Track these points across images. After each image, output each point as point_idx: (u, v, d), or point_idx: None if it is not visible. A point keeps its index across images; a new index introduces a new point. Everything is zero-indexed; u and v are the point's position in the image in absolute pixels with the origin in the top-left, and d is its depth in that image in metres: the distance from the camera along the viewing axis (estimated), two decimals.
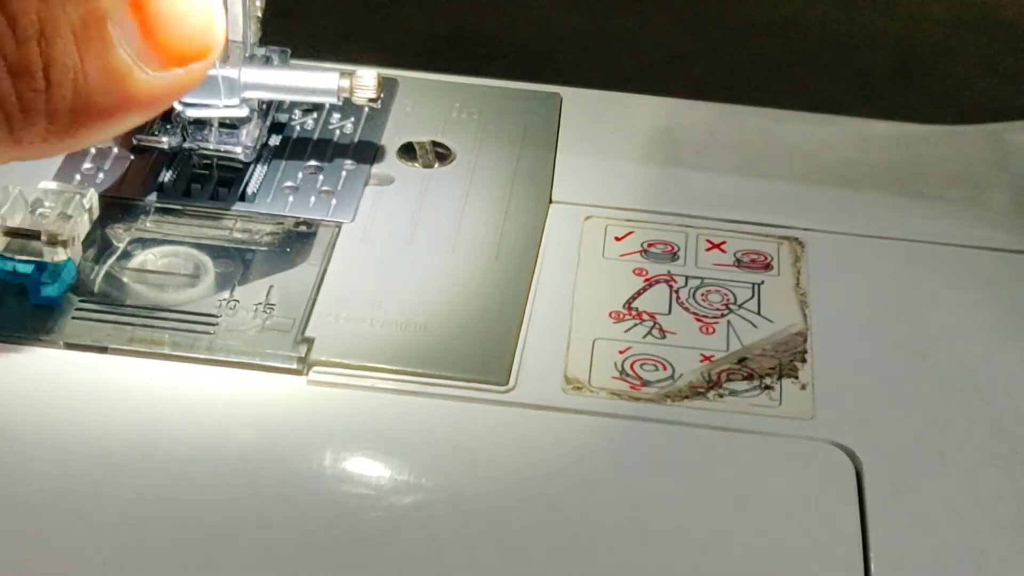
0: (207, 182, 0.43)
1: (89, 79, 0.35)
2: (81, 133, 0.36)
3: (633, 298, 0.40)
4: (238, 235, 0.42)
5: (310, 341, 0.38)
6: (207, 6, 0.37)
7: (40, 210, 0.39)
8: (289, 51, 0.44)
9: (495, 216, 0.43)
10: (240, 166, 0.43)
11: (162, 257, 0.41)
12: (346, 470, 0.35)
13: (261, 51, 0.43)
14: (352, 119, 0.46)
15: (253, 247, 0.41)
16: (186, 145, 0.43)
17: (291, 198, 0.43)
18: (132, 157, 0.44)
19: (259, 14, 0.43)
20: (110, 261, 0.41)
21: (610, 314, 0.40)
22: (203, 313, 0.39)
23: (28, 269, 0.39)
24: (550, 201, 0.44)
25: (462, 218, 0.43)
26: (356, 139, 0.45)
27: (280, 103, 0.45)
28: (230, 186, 0.43)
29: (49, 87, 0.35)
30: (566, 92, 0.49)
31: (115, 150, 0.44)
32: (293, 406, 0.37)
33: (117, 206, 0.42)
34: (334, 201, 0.43)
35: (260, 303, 0.40)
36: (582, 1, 0.72)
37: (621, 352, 0.39)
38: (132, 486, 0.35)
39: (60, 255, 0.39)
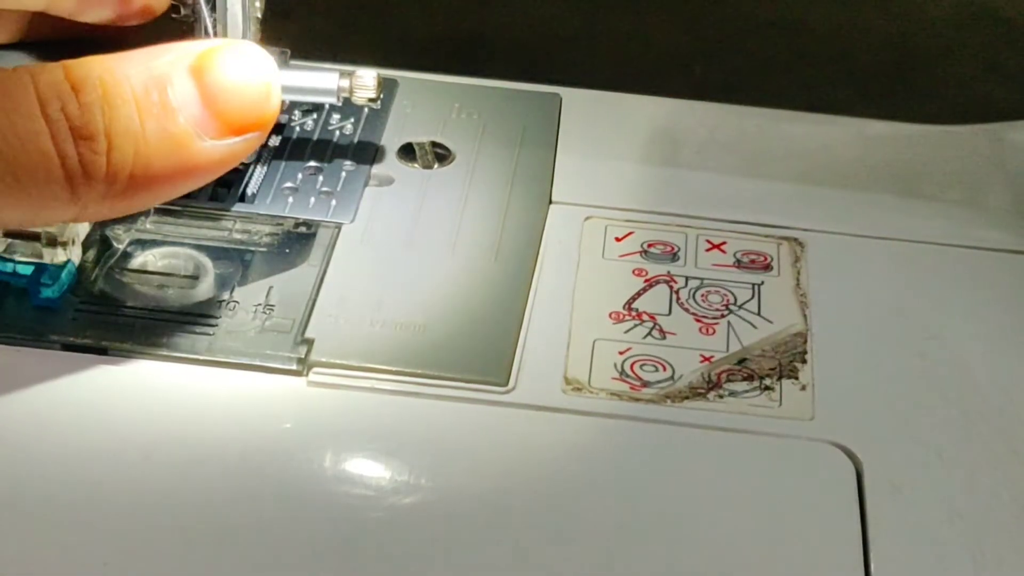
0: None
1: (149, 144, 0.36)
2: (138, 196, 0.37)
3: (633, 299, 0.40)
4: (238, 236, 0.42)
5: (310, 342, 0.38)
6: (265, 77, 0.38)
7: None
8: (289, 51, 0.44)
9: (495, 217, 0.43)
10: (240, 166, 0.43)
11: (162, 258, 0.41)
12: (346, 471, 0.35)
13: None
14: (352, 120, 0.46)
15: (253, 248, 0.41)
16: None
17: (291, 199, 0.43)
18: None
19: (259, 15, 0.43)
20: (110, 262, 0.41)
21: (610, 315, 0.40)
22: (203, 314, 0.39)
23: (28, 270, 0.39)
24: (550, 201, 0.44)
25: (462, 219, 0.43)
26: (356, 140, 0.45)
27: (280, 104, 0.45)
28: (230, 187, 0.43)
29: (111, 150, 0.36)
30: (566, 92, 0.49)
31: None
32: (293, 407, 0.37)
33: None
34: (334, 202, 0.43)
35: (260, 304, 0.40)
36: (582, 1, 0.72)
37: (621, 353, 0.39)
38: (132, 487, 0.35)
39: (60, 256, 0.39)
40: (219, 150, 0.37)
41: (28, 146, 0.34)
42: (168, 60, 0.37)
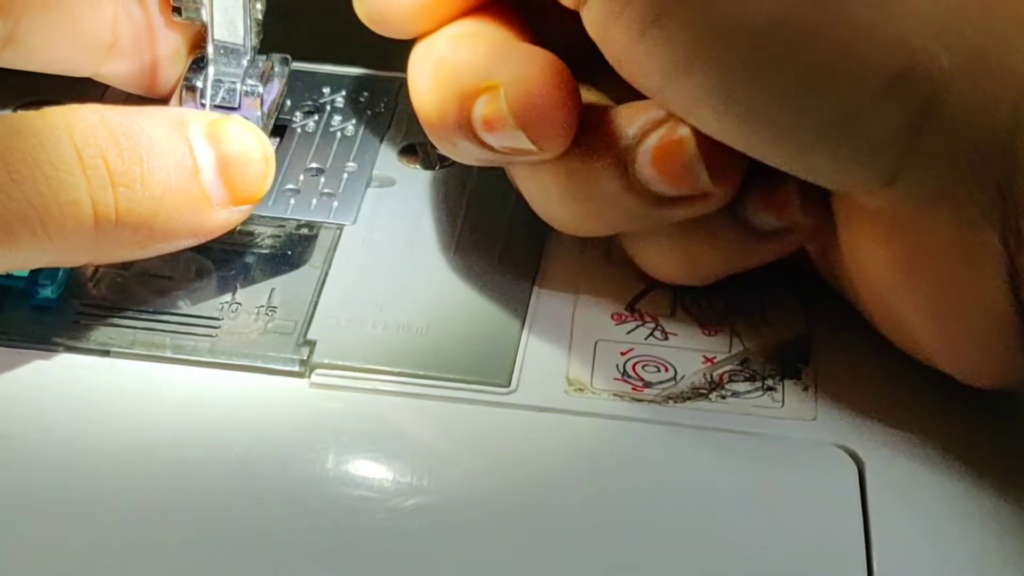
0: None
1: (175, 199, 0.37)
2: (149, 248, 0.38)
3: (635, 300, 0.40)
4: (239, 238, 0.42)
5: (312, 344, 0.38)
6: (268, 155, 0.40)
7: None
8: (289, 57, 0.44)
9: (496, 217, 0.43)
10: None
11: (164, 260, 0.41)
12: (349, 473, 0.35)
13: (262, 58, 0.43)
14: (353, 121, 0.46)
15: (255, 250, 0.41)
16: None
17: (292, 200, 0.43)
18: None
19: (259, 16, 0.42)
20: (112, 265, 0.41)
21: (612, 316, 0.40)
22: (205, 316, 0.39)
23: (24, 272, 0.39)
24: None
25: (463, 219, 0.43)
26: (358, 141, 0.45)
27: (283, 105, 0.45)
28: None
29: (144, 199, 0.37)
30: None
31: None
32: (295, 409, 0.37)
33: None
34: (336, 203, 0.43)
35: (262, 306, 0.40)
36: None
37: (623, 353, 0.39)
38: (134, 489, 0.35)
39: None
40: (221, 218, 0.39)
41: (60, 196, 0.35)
42: (187, 121, 0.38)
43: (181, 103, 0.42)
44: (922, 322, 0.35)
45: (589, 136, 0.36)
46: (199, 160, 0.38)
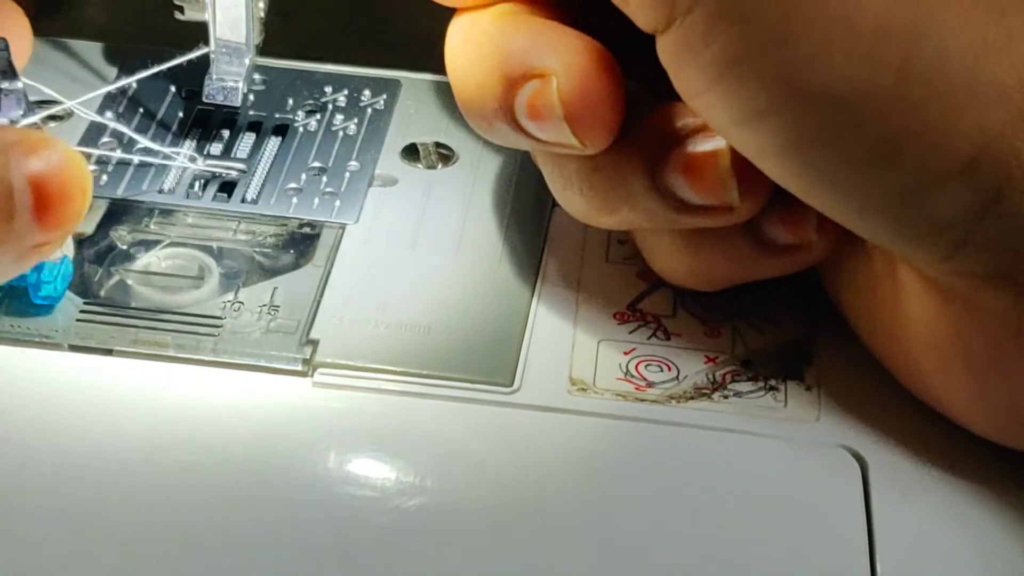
0: (211, 181, 0.43)
1: None
2: None
3: (637, 300, 0.40)
4: (242, 237, 0.42)
5: (315, 343, 0.38)
6: (87, 188, 0.37)
7: None
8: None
9: (499, 217, 0.43)
10: (244, 170, 0.43)
11: (166, 259, 0.41)
12: (351, 472, 0.35)
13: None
14: (355, 120, 0.46)
15: (257, 249, 0.41)
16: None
17: (295, 199, 0.43)
18: (136, 160, 0.44)
19: (262, 15, 0.43)
20: (115, 264, 0.40)
21: (614, 315, 0.40)
22: (207, 315, 0.39)
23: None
24: (554, 202, 0.44)
25: (466, 219, 0.43)
26: (359, 140, 0.45)
27: (284, 106, 0.45)
28: (232, 190, 0.43)
29: None
30: None
31: (118, 152, 0.44)
32: (298, 408, 0.37)
33: (120, 208, 0.42)
34: (338, 203, 0.43)
35: (264, 305, 0.39)
36: None
37: (626, 353, 0.39)
38: (136, 489, 0.35)
39: (55, 253, 0.39)
40: (29, 255, 0.37)
41: None
42: (5, 148, 0.35)
43: None
44: (965, 390, 0.35)
45: (622, 133, 0.35)
46: (16, 205, 0.35)
